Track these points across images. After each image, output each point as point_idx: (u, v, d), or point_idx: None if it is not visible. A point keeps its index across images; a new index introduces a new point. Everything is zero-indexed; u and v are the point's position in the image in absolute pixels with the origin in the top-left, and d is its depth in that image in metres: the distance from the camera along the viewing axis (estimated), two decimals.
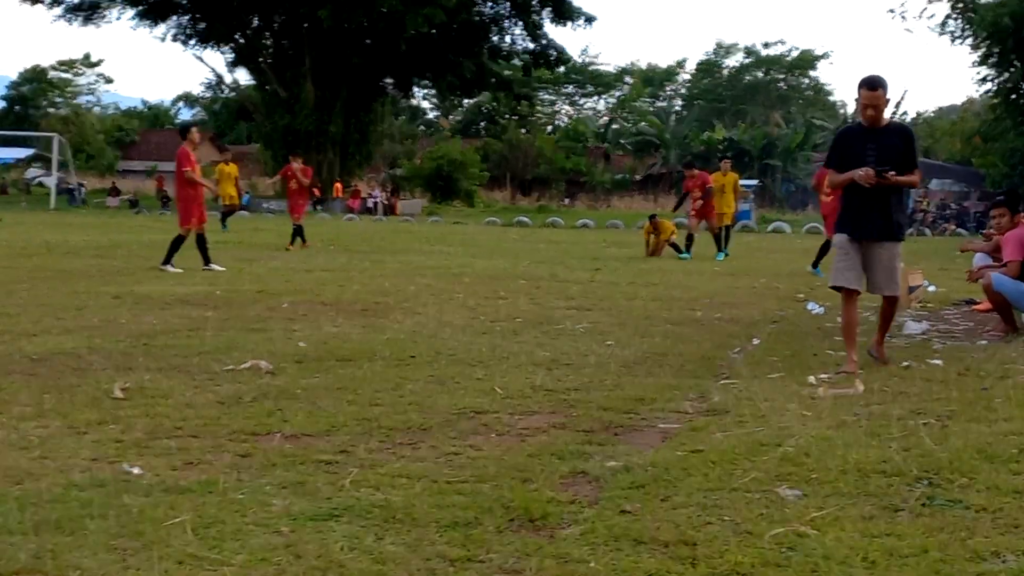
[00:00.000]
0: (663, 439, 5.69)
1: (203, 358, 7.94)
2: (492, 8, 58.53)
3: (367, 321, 10.35)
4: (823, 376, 7.46)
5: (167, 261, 16.06)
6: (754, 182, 55.47)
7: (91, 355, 7.97)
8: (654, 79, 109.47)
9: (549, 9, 58.34)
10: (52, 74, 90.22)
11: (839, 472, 4.77)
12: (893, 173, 7.60)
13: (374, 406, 6.34)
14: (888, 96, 7.87)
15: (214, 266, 16.22)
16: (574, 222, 44.39)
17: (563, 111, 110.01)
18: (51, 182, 55.92)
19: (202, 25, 58.81)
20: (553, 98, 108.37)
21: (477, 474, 4.85)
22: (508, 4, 56.96)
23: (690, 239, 22.30)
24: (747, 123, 78.73)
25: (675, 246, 22.18)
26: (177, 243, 16.22)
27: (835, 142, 8.16)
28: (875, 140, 7.74)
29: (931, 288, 14.35)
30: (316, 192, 53.92)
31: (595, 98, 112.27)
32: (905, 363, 8.00)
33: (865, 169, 7.57)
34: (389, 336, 9.25)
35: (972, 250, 12.17)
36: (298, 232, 22.30)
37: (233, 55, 60.50)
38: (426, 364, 7.86)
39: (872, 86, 7.70)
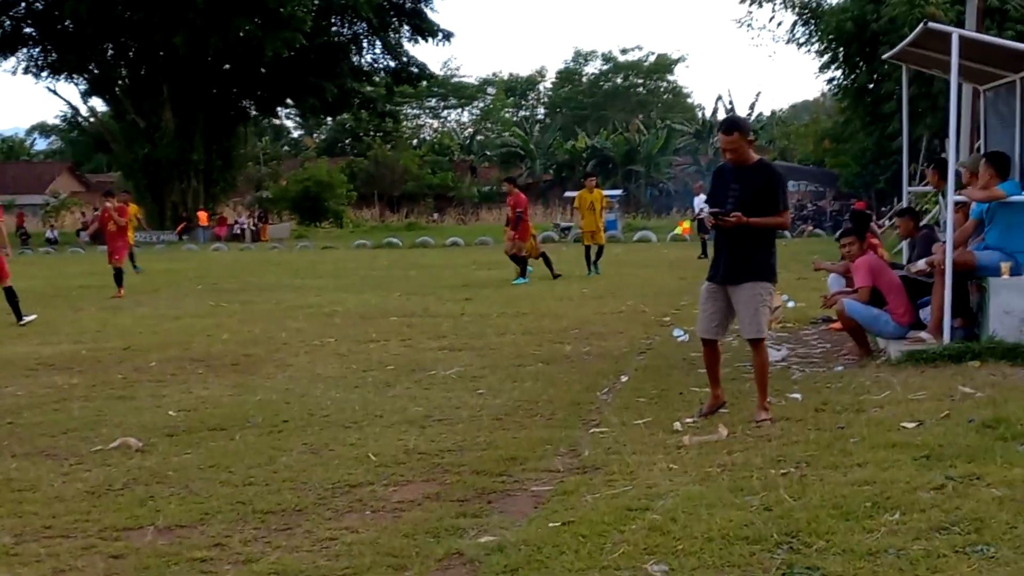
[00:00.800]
0: (536, 505, 5.82)
1: (70, 437, 7.83)
2: (350, 28, 58.39)
3: (238, 379, 10.30)
4: (688, 420, 7.68)
5: (19, 316, 15.66)
6: (618, 192, 56.30)
7: None
8: (516, 89, 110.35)
9: (407, 27, 58.49)
10: None
11: (704, 540, 4.93)
12: (737, 215, 7.46)
13: (248, 485, 6.35)
14: (750, 136, 7.76)
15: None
16: (444, 240, 44.50)
17: (428, 124, 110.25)
18: None
19: (54, 56, 57.49)
20: (417, 112, 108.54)
21: (353, 564, 4.91)
22: (365, 24, 56.86)
23: (521, 260, 21.60)
24: (608, 130, 79.82)
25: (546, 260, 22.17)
26: (12, 295, 15.79)
27: (711, 180, 8.09)
28: (740, 180, 7.64)
29: (790, 304, 14.78)
30: (180, 227, 53.34)
31: (459, 110, 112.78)
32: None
33: (709, 211, 7.62)
34: (261, 397, 9.22)
35: (825, 270, 12.58)
36: (117, 277, 20.78)
37: (87, 85, 59.27)
38: (299, 430, 7.87)
39: (727, 130, 7.65)
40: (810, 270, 19.34)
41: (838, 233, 11.84)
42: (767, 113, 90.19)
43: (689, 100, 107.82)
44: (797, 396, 8.39)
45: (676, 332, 12.67)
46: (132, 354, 12.27)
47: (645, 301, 17.07)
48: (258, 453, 7.15)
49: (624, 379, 9.77)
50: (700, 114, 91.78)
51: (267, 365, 11.18)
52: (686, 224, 28.21)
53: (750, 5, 43.03)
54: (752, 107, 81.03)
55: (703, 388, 8.77)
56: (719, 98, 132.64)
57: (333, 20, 57.09)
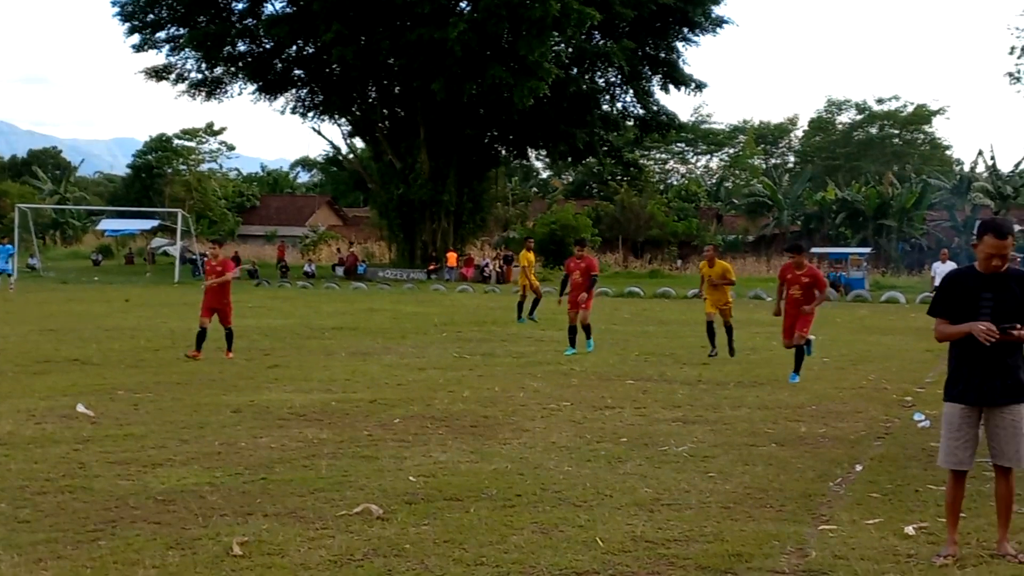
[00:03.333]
0: None
1: (317, 498, 8.27)
2: (602, 77, 59.16)
3: (476, 443, 10.64)
4: (922, 525, 7.53)
5: None
6: (867, 249, 54.91)
7: (213, 494, 8.37)
8: (767, 136, 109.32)
9: (660, 76, 58.84)
10: (176, 142, 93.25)
11: None
12: (1020, 328, 6.76)
13: (479, 565, 6.59)
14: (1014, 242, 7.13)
15: None
16: (685, 291, 44.37)
17: (675, 170, 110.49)
18: (175, 251, 58.03)
19: (320, 98, 60.52)
20: (665, 156, 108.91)
21: None
22: (617, 72, 57.51)
23: (572, 331, 19.65)
24: (861, 182, 77.94)
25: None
26: None
27: (944, 287, 7.23)
28: (991, 288, 6.91)
29: None
30: (431, 266, 55.17)
31: (707, 156, 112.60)
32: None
33: (987, 324, 6.73)
34: (496, 466, 9.51)
35: None
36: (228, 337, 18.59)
37: (350, 127, 62.15)
38: (531, 506, 8.09)
39: (1002, 234, 6.89)
40: None
41: None
42: None
43: (948, 153, 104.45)
44: None
45: (917, 416, 12.37)
46: (378, 408, 12.82)
47: (888, 376, 16.73)
48: (491, 530, 7.40)
49: (859, 469, 9.64)
50: (959, 168, 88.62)
51: (504, 429, 11.50)
52: None
53: (1019, 57, 41.31)
54: (1018, 165, 77.49)
55: (940, 487, 8.57)
56: (980, 152, 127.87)
57: (586, 68, 57.97)
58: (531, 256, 28.22)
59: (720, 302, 19.23)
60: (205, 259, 18.58)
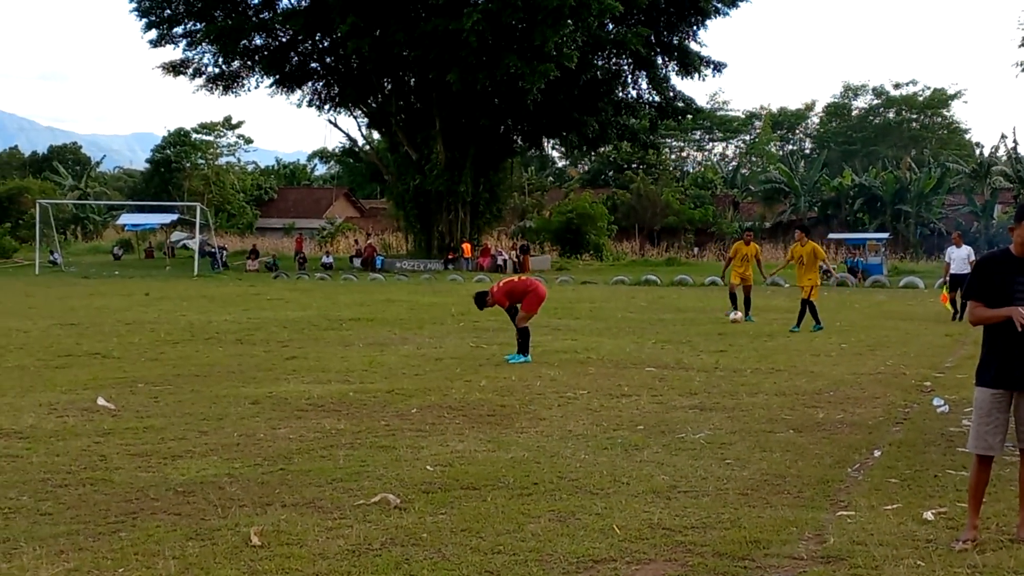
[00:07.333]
0: None
1: (335, 488, 8.31)
2: (615, 63, 59.01)
3: (493, 432, 10.66)
4: (941, 511, 7.52)
5: None
6: (884, 235, 54.73)
7: (232, 485, 8.41)
8: (783, 123, 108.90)
9: (675, 62, 58.66)
10: (195, 137, 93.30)
11: None
12: None
13: (496, 553, 6.61)
14: None
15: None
16: (703, 279, 44.33)
17: (691, 157, 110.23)
18: (194, 245, 58.26)
19: (336, 90, 60.62)
20: (681, 144, 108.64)
21: None
22: (631, 59, 57.34)
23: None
24: (878, 167, 77.58)
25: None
26: None
27: (977, 270, 7.15)
28: None
29: None
30: (449, 255, 55.28)
31: (723, 143, 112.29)
32: None
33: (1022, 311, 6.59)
34: (513, 455, 9.53)
35: None
36: None
37: (366, 118, 62.27)
38: (548, 494, 8.10)
39: None
40: None
41: None
42: None
43: (967, 137, 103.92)
44: None
45: (936, 401, 12.33)
46: (395, 398, 12.86)
47: (906, 361, 16.68)
48: (507, 518, 7.42)
49: (877, 454, 9.63)
50: (978, 152, 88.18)
51: (520, 418, 11.52)
52: (945, 293, 25.88)
53: None
54: None
55: (959, 472, 8.58)
56: (1003, 136, 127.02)
57: (600, 55, 57.81)
58: (748, 248, 24.83)
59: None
60: None
